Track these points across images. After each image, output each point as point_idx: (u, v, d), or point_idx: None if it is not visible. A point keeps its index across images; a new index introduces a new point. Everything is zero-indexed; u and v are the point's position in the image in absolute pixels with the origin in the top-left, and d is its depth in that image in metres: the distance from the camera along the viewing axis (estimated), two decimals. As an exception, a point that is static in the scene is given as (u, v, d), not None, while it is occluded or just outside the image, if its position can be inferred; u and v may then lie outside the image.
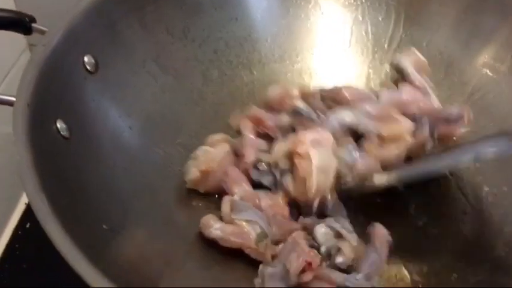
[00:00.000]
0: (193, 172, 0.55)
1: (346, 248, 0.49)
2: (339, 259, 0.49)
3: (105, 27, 0.58)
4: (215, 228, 0.50)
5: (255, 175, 0.56)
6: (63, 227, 0.38)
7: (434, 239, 0.54)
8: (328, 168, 0.52)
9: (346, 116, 0.57)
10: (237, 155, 0.58)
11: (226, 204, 0.53)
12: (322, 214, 0.53)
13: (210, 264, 0.51)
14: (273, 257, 0.49)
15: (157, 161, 0.58)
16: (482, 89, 0.66)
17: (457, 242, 0.54)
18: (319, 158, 0.52)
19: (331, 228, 0.50)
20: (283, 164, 0.54)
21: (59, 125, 0.48)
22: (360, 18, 0.74)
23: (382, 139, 0.54)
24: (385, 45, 0.73)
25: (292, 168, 0.54)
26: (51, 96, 0.48)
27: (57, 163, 0.45)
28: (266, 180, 0.55)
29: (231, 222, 0.51)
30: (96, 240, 0.43)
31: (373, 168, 0.53)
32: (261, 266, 0.49)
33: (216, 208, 0.55)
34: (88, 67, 0.55)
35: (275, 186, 0.55)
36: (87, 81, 0.54)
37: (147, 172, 0.56)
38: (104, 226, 0.44)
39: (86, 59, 0.54)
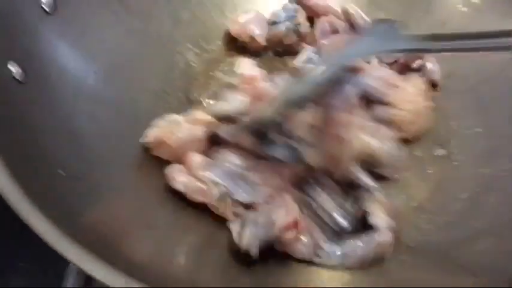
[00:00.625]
0: (149, 135, 0.52)
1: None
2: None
3: (64, -37, 0.54)
4: (178, 182, 0.49)
5: (267, 150, 0.51)
6: (14, 175, 0.36)
7: (404, 184, 0.54)
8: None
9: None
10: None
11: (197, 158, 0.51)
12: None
13: (178, 214, 0.50)
14: (236, 215, 0.48)
15: (124, 107, 0.56)
16: (462, 28, 0.64)
17: (427, 185, 0.54)
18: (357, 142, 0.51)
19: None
20: (309, 137, 0.51)
21: (13, 68, 0.45)
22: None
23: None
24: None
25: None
26: (2, 37, 0.46)
27: (10, 109, 0.43)
28: (279, 153, 0.51)
29: (196, 176, 0.49)
30: (53, 189, 0.41)
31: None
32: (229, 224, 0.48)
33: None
34: (45, 7, 0.51)
35: (290, 160, 0.51)
36: (45, 22, 0.51)
37: (113, 118, 0.54)
38: (60, 171, 0.43)
39: (43, -3, 0.51)
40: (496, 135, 0.56)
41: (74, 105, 0.51)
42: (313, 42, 0.64)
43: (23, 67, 0.46)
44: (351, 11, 0.62)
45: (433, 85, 0.61)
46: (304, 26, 0.65)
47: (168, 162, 0.52)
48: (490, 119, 0.57)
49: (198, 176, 0.49)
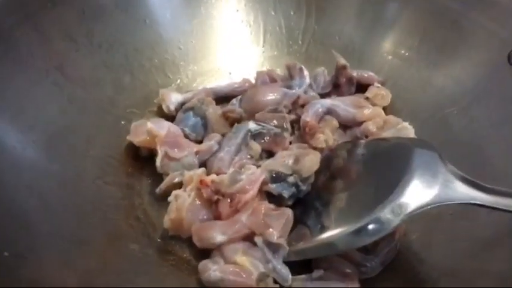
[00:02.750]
0: (165, 222, 0.52)
1: None
2: None
3: (-2, 37, 0.54)
4: (213, 270, 0.47)
5: (277, 188, 0.52)
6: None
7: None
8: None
9: (326, 102, 0.63)
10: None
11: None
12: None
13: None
14: None
15: (69, 176, 0.54)
16: (394, 76, 0.68)
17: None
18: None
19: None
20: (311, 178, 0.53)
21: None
22: (273, 13, 0.74)
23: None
24: (300, 38, 0.74)
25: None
26: None
27: None
28: (287, 192, 0.52)
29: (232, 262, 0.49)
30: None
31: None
32: None
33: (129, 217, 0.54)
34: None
35: (293, 199, 0.53)
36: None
37: (58, 189, 0.52)
38: (5, 253, 0.40)
39: (-23, 73, 0.50)
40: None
41: (15, 179, 0.49)
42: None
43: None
44: (292, 63, 0.66)
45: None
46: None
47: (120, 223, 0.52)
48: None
49: (236, 262, 0.48)
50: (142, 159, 0.60)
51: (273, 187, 0.52)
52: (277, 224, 0.49)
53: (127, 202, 0.56)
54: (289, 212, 0.50)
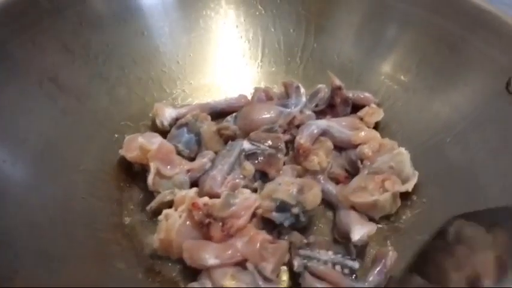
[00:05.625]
0: (154, 241, 0.51)
1: None
2: None
3: (-7, 48, 0.53)
4: None
5: (280, 218, 0.52)
6: None
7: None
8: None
9: (322, 124, 0.62)
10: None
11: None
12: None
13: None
14: None
15: (59, 192, 0.53)
16: (391, 98, 0.67)
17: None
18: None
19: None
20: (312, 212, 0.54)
21: None
22: (272, 30, 0.74)
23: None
24: (298, 55, 0.73)
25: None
26: None
27: None
28: (288, 222, 0.52)
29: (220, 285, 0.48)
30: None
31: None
32: None
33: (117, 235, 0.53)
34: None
35: (292, 228, 0.53)
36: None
37: (47, 205, 0.51)
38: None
39: (-29, 83, 0.50)
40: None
41: (2, 195, 0.48)
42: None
43: None
44: (289, 82, 0.66)
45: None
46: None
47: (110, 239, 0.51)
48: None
49: (224, 286, 0.47)
50: (135, 173, 0.60)
51: (276, 216, 0.52)
52: (273, 258, 0.48)
53: (116, 219, 0.55)
54: (285, 245, 0.50)
